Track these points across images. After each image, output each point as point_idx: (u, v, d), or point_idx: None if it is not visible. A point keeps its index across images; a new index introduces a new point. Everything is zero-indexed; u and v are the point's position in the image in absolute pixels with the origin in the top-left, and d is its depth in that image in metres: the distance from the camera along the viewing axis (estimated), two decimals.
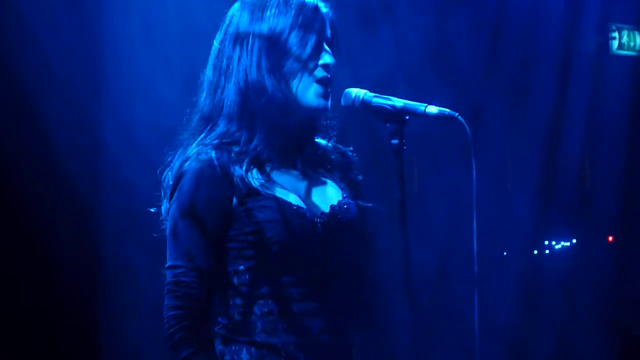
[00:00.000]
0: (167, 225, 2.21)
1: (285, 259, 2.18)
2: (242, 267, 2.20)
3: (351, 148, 2.43)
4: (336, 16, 2.32)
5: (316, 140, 2.38)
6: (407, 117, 2.16)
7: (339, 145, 2.42)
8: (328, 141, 2.39)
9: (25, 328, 3.72)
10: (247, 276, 2.20)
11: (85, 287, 3.84)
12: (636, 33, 5.62)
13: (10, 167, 3.69)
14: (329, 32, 2.29)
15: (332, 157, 2.39)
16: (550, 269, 5.43)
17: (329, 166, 2.38)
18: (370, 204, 2.37)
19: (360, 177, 2.41)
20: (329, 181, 2.35)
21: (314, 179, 2.33)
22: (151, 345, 3.85)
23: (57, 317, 3.80)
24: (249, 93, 2.23)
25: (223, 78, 2.26)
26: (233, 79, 2.24)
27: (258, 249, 2.18)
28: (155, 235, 2.32)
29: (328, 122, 2.36)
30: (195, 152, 2.21)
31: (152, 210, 2.32)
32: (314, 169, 2.35)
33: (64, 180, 3.76)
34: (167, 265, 2.19)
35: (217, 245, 2.19)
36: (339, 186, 2.35)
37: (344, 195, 2.33)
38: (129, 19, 3.87)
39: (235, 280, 2.21)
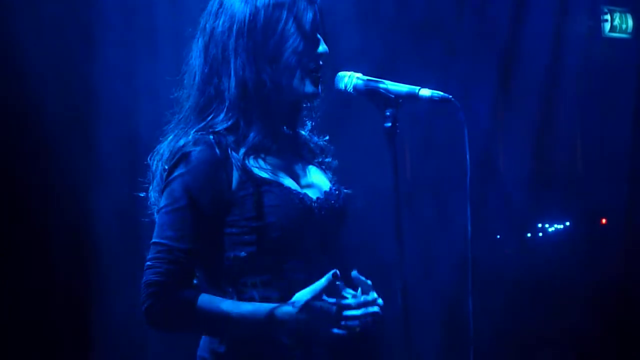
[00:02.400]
0: (161, 204, 2.19)
1: (287, 244, 2.19)
2: (243, 254, 2.19)
3: (327, 137, 2.44)
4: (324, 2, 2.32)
5: (299, 127, 2.40)
6: (401, 101, 2.16)
7: (313, 134, 2.43)
8: (310, 123, 2.40)
9: (19, 328, 3.69)
10: (248, 262, 2.19)
11: (81, 287, 3.82)
12: (628, 15, 5.61)
13: (4, 167, 3.66)
14: (319, 20, 2.29)
15: (311, 143, 2.41)
16: (543, 252, 5.44)
17: (311, 153, 2.41)
18: (349, 190, 2.38)
19: (336, 162, 2.43)
20: (314, 167, 2.38)
21: (304, 165, 2.35)
22: (148, 344, 3.84)
23: (52, 315, 3.78)
24: (247, 85, 2.23)
25: (219, 68, 2.25)
26: (231, 70, 2.24)
27: (260, 234, 2.18)
28: (144, 220, 2.31)
29: (311, 105, 2.37)
30: (193, 138, 2.21)
31: (141, 195, 2.32)
32: (301, 155, 2.37)
33: (60, 179, 3.74)
34: (152, 241, 2.18)
35: (210, 229, 2.18)
36: (325, 173, 2.38)
37: (333, 182, 2.36)
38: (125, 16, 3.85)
39: (234, 266, 2.20)
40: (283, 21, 2.22)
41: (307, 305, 2.10)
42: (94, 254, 3.80)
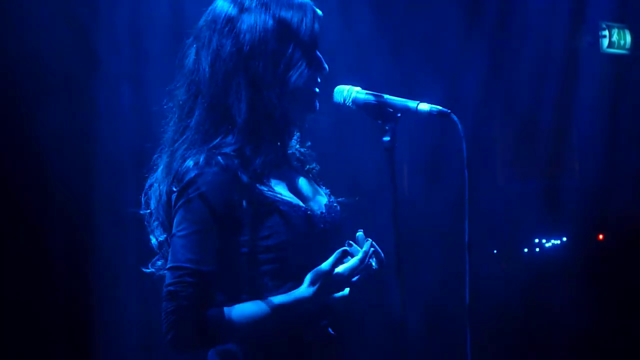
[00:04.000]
0: (176, 227, 2.17)
1: (298, 260, 2.19)
2: (256, 273, 2.19)
3: (309, 144, 2.44)
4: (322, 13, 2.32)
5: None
6: (399, 115, 2.16)
7: (296, 143, 2.43)
8: (298, 134, 2.40)
9: (18, 328, 3.69)
10: (261, 281, 2.20)
11: (79, 288, 3.81)
12: (627, 31, 5.62)
13: (3, 168, 3.66)
14: (319, 35, 2.29)
15: (297, 152, 2.41)
16: (540, 267, 5.43)
17: (298, 162, 2.41)
18: (343, 199, 2.39)
19: (318, 168, 2.43)
20: (306, 178, 2.38)
21: (301, 179, 2.35)
22: (147, 346, 3.84)
23: (50, 317, 3.77)
24: (256, 107, 2.22)
25: (228, 90, 2.23)
26: (242, 94, 2.21)
27: (275, 253, 2.18)
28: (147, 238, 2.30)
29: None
30: (203, 159, 2.18)
31: (142, 212, 2.30)
32: (292, 166, 2.37)
33: (59, 181, 3.73)
34: (169, 266, 2.16)
35: (225, 250, 2.17)
36: (315, 182, 2.39)
37: (329, 195, 2.37)
38: (122, 17, 3.84)
39: (251, 286, 2.20)
40: (292, 47, 2.22)
41: (325, 282, 2.15)
42: (96, 255, 3.81)
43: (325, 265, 2.15)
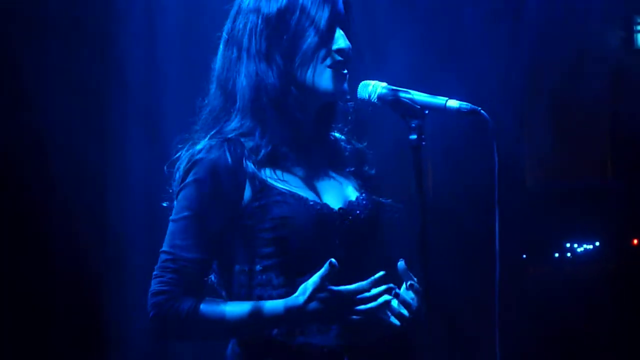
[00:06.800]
0: (172, 211, 2.16)
1: (303, 256, 2.12)
2: (258, 267, 2.14)
3: (365, 143, 2.37)
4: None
5: (331, 134, 2.33)
6: (427, 112, 2.08)
7: (352, 140, 2.36)
8: (345, 129, 2.33)
9: (24, 329, 3.70)
10: (264, 277, 2.14)
11: (88, 288, 3.80)
12: None
13: (12, 166, 3.66)
14: (342, 11, 2.21)
15: (346, 151, 2.33)
16: (572, 273, 5.33)
17: (343, 160, 2.32)
18: (388, 200, 2.31)
19: (373, 172, 2.35)
20: (344, 176, 2.29)
21: (330, 174, 2.27)
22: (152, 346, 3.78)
23: (58, 317, 3.76)
24: (260, 86, 2.16)
25: (234, 70, 2.20)
26: (244, 71, 2.18)
27: (274, 247, 2.12)
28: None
29: (345, 106, 2.28)
30: (207, 144, 2.15)
31: (165, 204, 2.27)
32: (330, 163, 2.29)
33: (71, 180, 3.72)
34: (161, 249, 2.15)
35: (218, 240, 2.13)
36: (355, 181, 2.30)
37: (361, 191, 2.27)
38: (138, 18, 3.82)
39: (251, 280, 2.15)
40: (297, 17, 2.14)
41: (313, 295, 2.03)
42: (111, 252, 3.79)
43: (314, 276, 2.04)
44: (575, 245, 5.44)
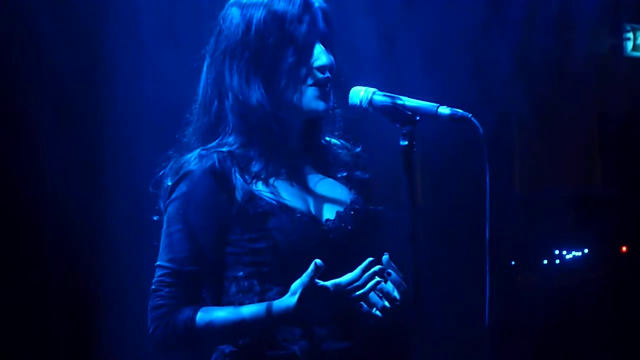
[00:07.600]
0: (164, 225, 2.17)
1: (287, 267, 2.12)
2: (241, 274, 2.16)
3: (360, 147, 2.37)
4: (332, 7, 2.24)
5: (323, 139, 2.32)
6: (418, 118, 2.08)
7: (346, 143, 2.36)
8: (335, 132, 2.33)
9: (20, 330, 3.66)
10: (246, 283, 2.15)
11: (82, 290, 3.78)
12: None
13: (7, 167, 3.63)
14: (321, 25, 2.20)
15: (340, 156, 2.33)
16: (560, 280, 5.34)
17: (336, 165, 2.32)
18: (379, 207, 2.30)
19: (367, 176, 2.34)
20: (336, 183, 2.29)
21: (321, 183, 2.27)
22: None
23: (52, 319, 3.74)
24: (244, 107, 2.17)
25: (216, 92, 2.21)
26: (226, 93, 2.19)
27: (257, 256, 2.14)
28: (155, 243, 2.25)
29: (333, 113, 2.28)
30: (197, 156, 2.16)
31: (155, 218, 2.27)
32: (322, 169, 2.29)
33: (65, 181, 3.70)
34: (156, 264, 2.16)
35: (211, 250, 2.14)
36: (347, 188, 2.29)
37: (352, 199, 2.26)
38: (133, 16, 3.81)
39: (233, 286, 2.17)
40: (275, 37, 2.14)
41: (304, 293, 2.03)
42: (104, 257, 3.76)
43: (303, 275, 2.04)
44: (564, 252, 5.45)
